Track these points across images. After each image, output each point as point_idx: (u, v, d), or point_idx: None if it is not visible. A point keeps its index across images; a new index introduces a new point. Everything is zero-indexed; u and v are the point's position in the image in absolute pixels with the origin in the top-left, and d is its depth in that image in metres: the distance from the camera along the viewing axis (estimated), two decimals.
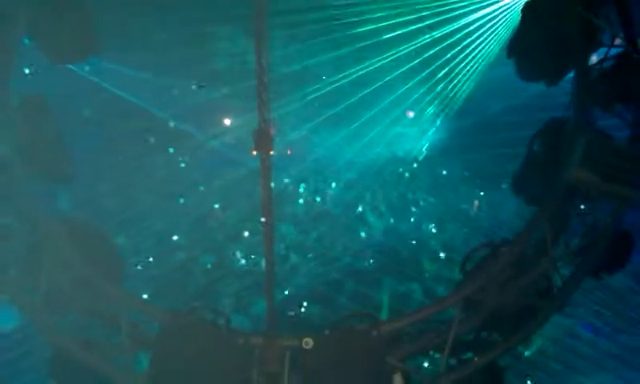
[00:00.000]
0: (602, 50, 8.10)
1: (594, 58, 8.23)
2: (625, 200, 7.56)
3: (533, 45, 8.15)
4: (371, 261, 17.37)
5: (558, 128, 8.12)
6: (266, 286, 6.51)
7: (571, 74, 8.20)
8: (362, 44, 17.70)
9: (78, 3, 7.58)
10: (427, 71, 18.86)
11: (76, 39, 7.62)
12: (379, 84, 18.66)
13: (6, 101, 7.50)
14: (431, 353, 7.80)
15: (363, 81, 18.63)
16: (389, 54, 18.24)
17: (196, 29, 15.94)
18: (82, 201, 14.07)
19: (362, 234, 17.96)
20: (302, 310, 15.66)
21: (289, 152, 17.93)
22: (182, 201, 17.00)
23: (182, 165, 17.29)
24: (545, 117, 8.36)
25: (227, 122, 17.97)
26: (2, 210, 7.48)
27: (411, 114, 19.67)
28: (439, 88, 19.12)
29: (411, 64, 18.70)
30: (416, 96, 19.29)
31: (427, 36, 17.81)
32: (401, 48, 18.14)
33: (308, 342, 6.90)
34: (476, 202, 18.66)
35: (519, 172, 8.38)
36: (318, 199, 18.45)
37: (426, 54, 18.34)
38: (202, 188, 17.21)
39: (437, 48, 18.22)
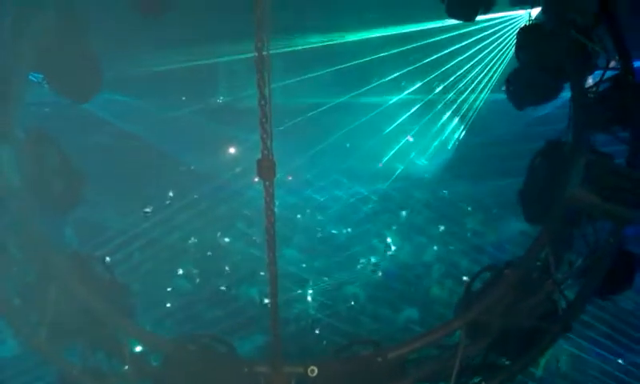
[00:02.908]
0: (598, 73, 8.27)
1: (589, 81, 8.39)
2: (624, 220, 7.61)
3: (527, 70, 8.35)
4: (375, 286, 17.30)
5: (557, 150, 8.21)
6: (271, 313, 6.50)
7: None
8: (360, 67, 17.96)
9: (84, 39, 7.77)
10: (429, 94, 19.12)
11: (84, 78, 7.81)
12: (380, 109, 18.89)
13: (13, 134, 7.63)
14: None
15: (364, 106, 18.86)
16: (389, 77, 18.49)
17: (197, 61, 16.23)
18: (85, 231, 14.16)
19: (366, 259, 17.92)
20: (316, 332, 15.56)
21: (289, 178, 18.05)
22: (184, 228, 17.08)
23: (188, 196, 17.41)
24: (547, 138, 8.48)
25: (232, 150, 18.17)
26: (7, 240, 7.54)
27: (410, 139, 19.84)
28: (441, 111, 19.35)
29: (412, 87, 18.98)
30: (417, 120, 19.50)
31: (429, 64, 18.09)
32: (402, 70, 18.40)
33: (313, 370, 6.87)
34: None
35: (522, 192, 8.44)
36: (321, 225, 18.48)
37: (428, 77, 18.63)
38: (206, 216, 17.30)
39: (439, 72, 18.51)
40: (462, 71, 18.38)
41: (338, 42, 16.88)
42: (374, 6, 16.43)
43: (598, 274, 7.65)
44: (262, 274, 15.77)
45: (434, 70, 18.32)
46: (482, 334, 7.44)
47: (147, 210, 15.93)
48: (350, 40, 17.00)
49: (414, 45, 17.34)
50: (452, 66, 18.27)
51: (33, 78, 8.44)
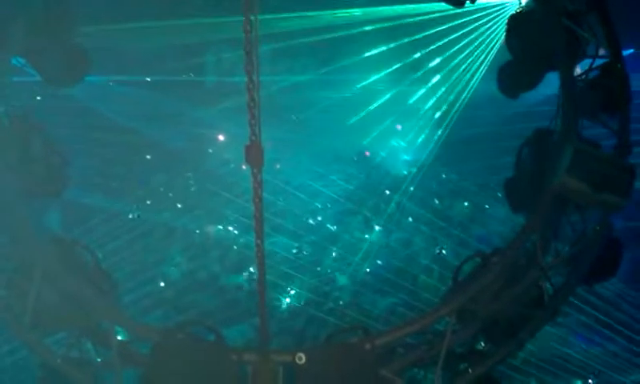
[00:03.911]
0: (587, 61, 8.28)
1: (578, 70, 8.41)
2: (612, 207, 7.66)
3: (517, 58, 8.34)
4: (363, 273, 17.37)
5: (545, 138, 8.23)
6: (258, 301, 6.48)
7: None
8: (349, 59, 17.83)
9: (69, 24, 7.61)
10: (416, 83, 19.06)
11: (69, 62, 7.66)
12: (367, 96, 18.81)
13: None
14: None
15: (351, 95, 18.78)
16: (377, 67, 18.38)
17: (183, 45, 16.02)
18: (71, 217, 14.02)
19: (354, 247, 17.96)
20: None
21: (277, 167, 17.96)
22: (172, 214, 16.99)
23: (175, 182, 17.30)
24: (534, 127, 8.50)
25: (221, 138, 18.01)
26: None
27: (399, 127, 19.81)
28: (429, 100, 19.31)
29: (400, 76, 18.88)
30: (405, 108, 19.45)
31: (419, 53, 17.97)
32: (389, 60, 18.29)
33: (301, 357, 6.84)
34: None
35: (510, 181, 8.47)
36: (310, 213, 18.45)
37: (415, 64, 18.52)
38: (194, 204, 17.21)
39: (426, 60, 18.43)
40: (448, 54, 18.27)
41: (322, 23, 16.65)
42: None
43: (585, 261, 7.70)
44: (250, 268, 15.75)
45: (420, 54, 18.21)
46: (470, 320, 7.48)
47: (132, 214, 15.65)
48: (333, 17, 16.78)
49: (397, 22, 17.15)
50: (440, 51, 18.18)
51: (15, 63, 8.25)
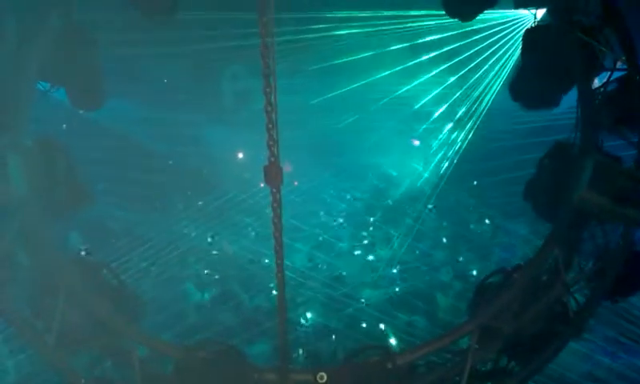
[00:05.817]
0: (605, 74, 8.20)
1: (596, 82, 8.33)
2: (634, 222, 7.53)
3: (533, 71, 8.30)
4: (382, 291, 17.23)
5: (564, 151, 8.15)
6: (278, 320, 6.48)
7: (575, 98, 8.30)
8: (364, 71, 17.81)
9: (90, 51, 7.83)
10: (432, 99, 18.99)
11: (90, 88, 7.87)
12: (383, 112, 18.77)
13: (22, 143, 7.66)
14: None
15: (368, 110, 18.77)
16: (392, 79, 18.32)
17: (201, 67, 16.21)
18: (92, 238, 14.20)
19: (372, 265, 17.84)
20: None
21: (295, 184, 17.99)
22: (192, 234, 17.09)
23: (195, 202, 17.42)
24: (551, 140, 8.42)
25: (240, 155, 18.07)
26: (16, 248, 7.54)
27: (417, 143, 19.73)
28: (445, 115, 19.21)
29: (416, 91, 18.83)
30: (422, 124, 19.38)
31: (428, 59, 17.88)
32: (402, 72, 18.22)
33: (322, 377, 6.83)
34: None
35: (529, 192, 8.36)
36: (327, 230, 18.40)
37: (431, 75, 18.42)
38: (210, 222, 17.29)
39: (440, 75, 18.34)
40: (466, 66, 18.10)
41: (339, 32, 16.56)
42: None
43: (609, 277, 7.57)
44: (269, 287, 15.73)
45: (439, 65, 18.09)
46: (492, 338, 7.38)
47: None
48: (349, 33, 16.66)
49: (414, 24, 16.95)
50: (454, 66, 18.07)
51: (39, 87, 8.48)
